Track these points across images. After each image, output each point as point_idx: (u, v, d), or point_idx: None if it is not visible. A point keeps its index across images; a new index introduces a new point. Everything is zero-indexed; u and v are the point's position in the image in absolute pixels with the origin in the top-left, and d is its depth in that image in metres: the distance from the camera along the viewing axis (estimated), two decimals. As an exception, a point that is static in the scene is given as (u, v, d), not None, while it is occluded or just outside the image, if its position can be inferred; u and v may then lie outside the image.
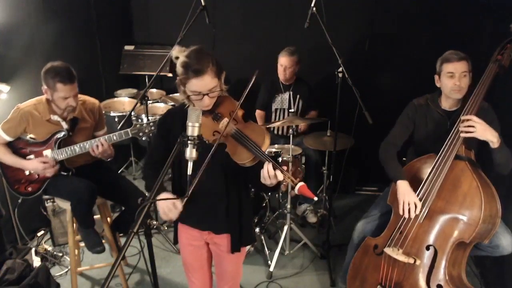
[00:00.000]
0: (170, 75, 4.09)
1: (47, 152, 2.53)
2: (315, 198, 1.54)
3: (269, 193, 3.40)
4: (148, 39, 4.33)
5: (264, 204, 3.29)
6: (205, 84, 1.64)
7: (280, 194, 3.56)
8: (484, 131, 2.04)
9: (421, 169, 2.29)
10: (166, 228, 3.45)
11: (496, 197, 2.07)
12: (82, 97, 2.61)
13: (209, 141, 1.66)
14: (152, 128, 2.42)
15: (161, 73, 3.38)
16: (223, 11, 4.01)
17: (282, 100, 3.69)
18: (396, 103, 2.64)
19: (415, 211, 2.14)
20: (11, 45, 2.97)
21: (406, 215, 2.16)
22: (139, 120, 3.53)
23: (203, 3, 2.88)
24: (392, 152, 2.45)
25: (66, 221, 2.99)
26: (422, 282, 2.12)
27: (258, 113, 3.79)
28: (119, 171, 4.33)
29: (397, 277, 2.20)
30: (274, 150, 3.29)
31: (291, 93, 3.66)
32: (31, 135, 2.54)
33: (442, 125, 2.38)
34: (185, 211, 1.92)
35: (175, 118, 1.81)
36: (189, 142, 1.51)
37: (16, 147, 2.55)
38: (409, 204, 2.15)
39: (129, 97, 4.06)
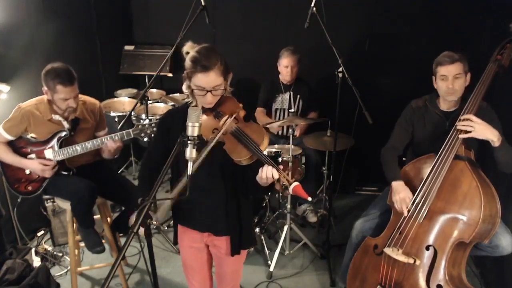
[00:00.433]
0: (170, 75, 4.09)
1: (49, 152, 2.53)
2: (309, 199, 1.54)
3: (269, 193, 3.40)
4: (148, 39, 4.33)
5: (264, 204, 3.29)
6: (210, 80, 1.65)
7: (280, 194, 3.56)
8: (483, 131, 2.04)
9: (421, 169, 2.29)
10: (166, 228, 3.45)
11: (496, 197, 2.06)
12: (82, 97, 2.61)
13: (207, 138, 1.66)
14: (154, 128, 2.42)
15: (161, 73, 3.38)
16: (223, 11, 4.01)
17: (283, 100, 3.69)
18: (396, 103, 2.64)
19: (406, 207, 2.18)
20: (11, 45, 2.97)
21: (400, 210, 2.21)
22: (140, 120, 3.53)
23: (203, 3, 2.88)
24: (392, 157, 2.47)
25: (66, 221, 2.99)
26: (422, 282, 2.12)
27: (260, 110, 3.77)
28: (119, 171, 4.33)
29: (397, 277, 2.20)
30: (274, 150, 3.29)
31: (291, 93, 3.66)
32: (32, 135, 2.54)
33: (440, 126, 2.38)
34: (185, 212, 1.93)
35: (175, 118, 1.81)
36: (189, 142, 1.51)
37: (17, 146, 2.55)
38: (401, 200, 2.19)
39: (129, 97, 4.06)
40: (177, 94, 4.10)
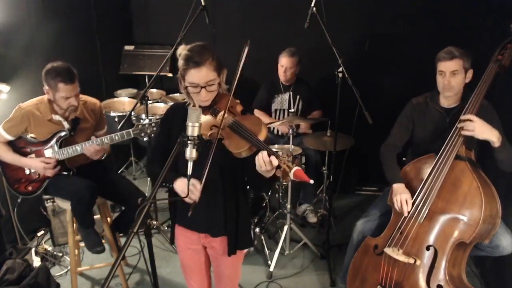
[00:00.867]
0: (170, 75, 4.09)
1: (48, 152, 2.53)
2: (311, 181, 1.49)
3: (269, 192, 3.40)
4: (148, 39, 4.33)
5: (264, 204, 3.29)
6: (203, 76, 1.66)
7: (280, 194, 3.56)
8: (483, 131, 2.05)
9: (421, 169, 2.29)
10: (166, 228, 3.45)
11: (496, 197, 2.06)
12: (83, 97, 2.61)
13: (206, 136, 1.66)
14: (154, 128, 2.42)
15: (161, 73, 3.38)
16: (223, 11, 4.01)
17: (282, 100, 3.68)
18: (396, 103, 2.64)
19: (407, 208, 2.18)
20: (11, 45, 2.97)
21: (399, 209, 2.21)
22: (140, 120, 3.53)
23: (203, 3, 2.88)
24: (392, 154, 2.47)
25: (66, 221, 2.99)
26: (422, 282, 2.12)
27: (257, 112, 3.78)
28: (119, 171, 4.33)
29: (397, 277, 2.19)
30: (274, 150, 3.28)
31: (291, 93, 3.66)
32: (32, 135, 2.54)
33: (441, 122, 2.39)
34: (183, 213, 1.92)
35: (176, 114, 1.82)
36: (189, 142, 1.51)
37: (17, 146, 2.55)
38: (402, 201, 2.20)
39: (129, 97, 4.06)
40: (177, 94, 4.11)
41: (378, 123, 2.66)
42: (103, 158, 2.62)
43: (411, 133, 2.52)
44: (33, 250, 2.98)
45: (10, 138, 2.51)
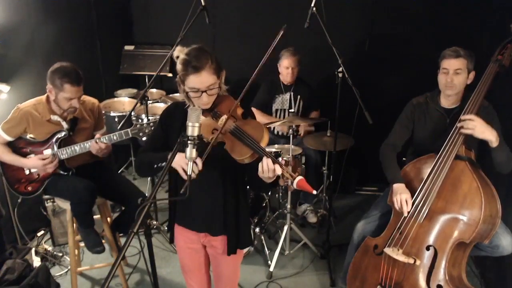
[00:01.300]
0: (170, 75, 4.09)
1: (48, 152, 2.53)
2: (314, 192, 1.53)
3: (269, 192, 3.40)
4: (148, 39, 4.33)
5: (264, 204, 3.29)
6: (203, 80, 1.65)
7: (280, 194, 3.56)
8: (482, 131, 2.05)
9: (421, 169, 2.29)
10: (166, 228, 3.45)
11: (496, 197, 2.07)
12: (82, 97, 2.61)
13: (208, 139, 1.66)
14: (152, 128, 2.42)
15: (161, 73, 3.38)
16: (223, 11, 4.00)
17: (283, 100, 3.68)
18: (396, 103, 2.64)
19: (407, 208, 2.19)
20: (11, 45, 2.97)
21: (399, 209, 2.21)
22: (139, 120, 3.53)
23: (203, 3, 2.88)
24: (391, 154, 2.47)
25: (66, 221, 2.99)
26: (422, 282, 2.12)
27: (255, 112, 3.77)
28: (119, 171, 4.33)
29: (397, 277, 2.19)
30: (274, 150, 3.29)
31: (291, 93, 3.66)
32: (31, 135, 2.54)
33: (441, 122, 2.39)
34: (182, 212, 1.92)
35: (176, 113, 1.82)
36: (189, 142, 1.51)
37: (17, 146, 2.55)
38: (402, 201, 2.20)
39: (129, 97, 4.06)
40: (177, 94, 4.10)
41: (378, 123, 2.66)
42: (103, 158, 2.62)
43: (411, 133, 2.52)
44: (33, 250, 2.98)
45: (9, 139, 2.51)
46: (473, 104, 2.13)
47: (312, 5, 2.74)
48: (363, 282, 2.37)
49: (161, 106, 3.99)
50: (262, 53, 1.72)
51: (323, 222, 3.60)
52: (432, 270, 2.10)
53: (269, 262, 3.07)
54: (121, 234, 2.99)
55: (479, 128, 2.05)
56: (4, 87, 2.83)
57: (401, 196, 2.22)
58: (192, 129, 1.52)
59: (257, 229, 3.14)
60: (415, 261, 2.12)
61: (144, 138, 2.52)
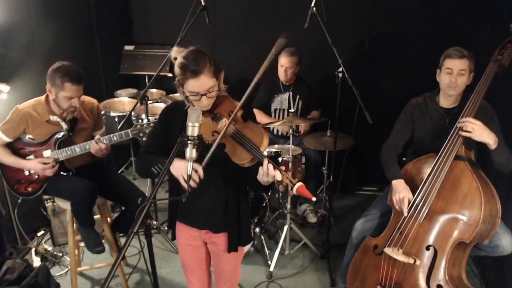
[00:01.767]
0: (170, 75, 4.09)
1: (47, 153, 2.53)
2: (313, 199, 1.54)
3: (269, 192, 3.40)
4: (148, 39, 4.33)
5: (264, 204, 3.29)
6: (203, 84, 1.65)
7: (280, 194, 3.56)
8: (481, 133, 2.06)
9: (421, 169, 2.29)
10: (166, 228, 3.45)
11: (496, 197, 2.07)
12: (81, 97, 2.61)
13: (208, 141, 1.67)
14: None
15: (161, 73, 3.38)
16: (223, 11, 4.00)
17: (282, 100, 3.68)
18: (396, 103, 2.64)
19: (405, 207, 2.19)
20: (11, 45, 2.97)
21: (398, 208, 2.21)
22: (139, 120, 3.53)
23: (203, 3, 2.88)
24: (392, 155, 2.47)
25: (66, 221, 2.98)
26: (422, 282, 2.12)
27: (256, 112, 3.78)
28: (119, 171, 4.33)
29: (397, 277, 2.20)
30: (274, 150, 3.29)
31: (291, 93, 3.66)
32: (30, 136, 2.53)
33: (440, 122, 2.39)
34: (184, 209, 1.93)
35: (176, 113, 1.82)
36: (189, 142, 1.51)
37: (16, 147, 2.55)
38: (401, 200, 2.20)
39: (129, 97, 4.06)
40: (177, 94, 4.10)
41: (378, 123, 2.66)
42: (102, 158, 2.62)
43: (411, 133, 2.52)
44: (33, 250, 2.98)
45: (8, 140, 2.51)
46: (472, 105, 2.13)
47: (312, 5, 2.74)
48: (363, 282, 2.37)
49: (161, 106, 3.99)
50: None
51: (323, 222, 3.60)
52: (432, 270, 2.10)
53: (269, 262, 3.07)
54: (121, 234, 2.99)
55: (477, 131, 2.05)
56: (4, 87, 2.83)
57: (400, 195, 2.21)
58: (192, 129, 1.52)
59: (257, 229, 3.14)
60: (415, 261, 2.12)
61: (144, 139, 2.52)
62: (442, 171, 2.12)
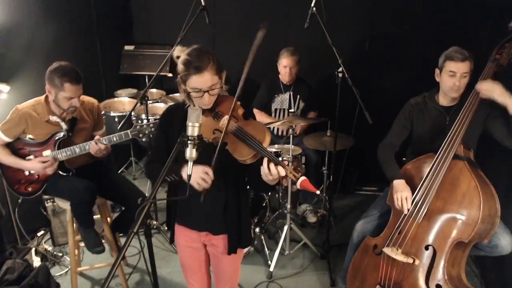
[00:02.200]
0: (170, 75, 4.09)
1: (47, 153, 2.53)
2: (317, 192, 1.54)
3: (269, 193, 3.40)
4: (148, 39, 4.33)
5: (264, 204, 3.29)
6: (205, 80, 1.65)
7: (280, 194, 3.56)
8: (502, 92, 2.04)
9: (420, 168, 2.29)
10: (166, 228, 3.45)
11: (495, 197, 2.07)
12: (81, 97, 2.61)
13: (209, 140, 1.66)
14: (152, 129, 2.42)
15: (161, 73, 3.38)
16: (223, 11, 4.01)
17: (282, 100, 3.69)
18: (396, 103, 2.64)
19: (407, 205, 2.19)
20: (11, 45, 2.98)
21: (398, 207, 2.21)
22: (139, 120, 3.53)
23: (203, 3, 2.88)
24: (389, 153, 2.47)
25: (66, 221, 2.99)
26: (421, 281, 2.12)
27: (256, 112, 3.78)
28: (119, 171, 4.33)
29: (396, 277, 2.20)
30: (274, 150, 3.29)
31: (291, 93, 3.66)
32: (30, 136, 2.54)
33: (440, 121, 2.39)
34: (184, 211, 1.93)
35: (174, 115, 1.82)
36: (189, 142, 1.51)
37: (16, 147, 2.55)
38: (402, 198, 2.19)
39: (129, 97, 4.06)
40: (177, 94, 4.10)
41: (378, 123, 2.66)
42: (102, 158, 2.62)
43: (409, 132, 2.53)
44: (33, 250, 2.98)
45: (8, 140, 2.51)
46: (471, 103, 2.14)
47: (312, 5, 2.74)
48: (363, 282, 2.37)
49: (161, 106, 3.99)
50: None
51: (323, 222, 3.60)
52: (431, 270, 2.10)
53: (269, 262, 3.07)
54: (121, 234, 2.99)
55: (498, 90, 2.04)
56: (4, 87, 2.83)
57: (401, 194, 2.21)
58: (192, 129, 1.52)
59: (257, 229, 3.14)
60: (414, 261, 2.12)
61: (144, 139, 2.52)
62: (441, 171, 2.12)
